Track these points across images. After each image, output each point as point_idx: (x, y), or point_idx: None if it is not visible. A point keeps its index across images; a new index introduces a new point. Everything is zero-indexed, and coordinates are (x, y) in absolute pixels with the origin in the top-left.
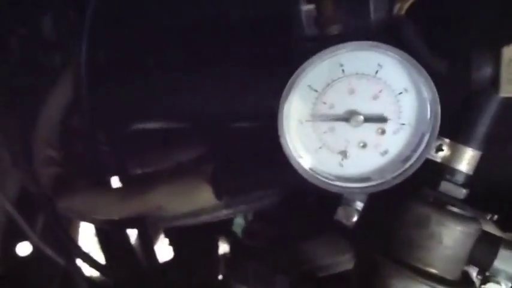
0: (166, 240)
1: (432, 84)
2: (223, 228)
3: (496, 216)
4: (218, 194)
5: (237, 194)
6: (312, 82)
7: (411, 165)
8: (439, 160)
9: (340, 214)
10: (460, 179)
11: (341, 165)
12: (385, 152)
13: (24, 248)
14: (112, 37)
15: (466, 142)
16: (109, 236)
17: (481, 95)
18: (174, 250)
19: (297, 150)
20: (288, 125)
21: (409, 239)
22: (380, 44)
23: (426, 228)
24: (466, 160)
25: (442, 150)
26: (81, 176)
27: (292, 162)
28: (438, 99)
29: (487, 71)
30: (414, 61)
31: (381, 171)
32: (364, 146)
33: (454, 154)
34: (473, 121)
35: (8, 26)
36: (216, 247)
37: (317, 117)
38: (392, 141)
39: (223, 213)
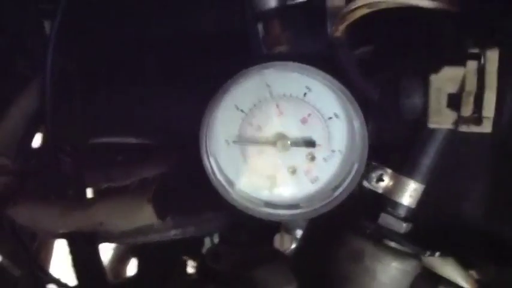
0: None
1: (359, 110)
2: (192, 249)
3: (437, 253)
4: (160, 214)
5: (180, 214)
6: (238, 102)
7: (340, 194)
8: (380, 191)
9: (277, 241)
10: (401, 212)
11: (270, 190)
12: (315, 179)
13: None
14: (79, 48)
15: (409, 174)
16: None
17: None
18: (140, 266)
19: (225, 172)
20: (215, 146)
21: (343, 273)
22: (307, 67)
23: (360, 262)
24: (408, 192)
25: (383, 180)
26: (32, 186)
27: (216, 185)
28: (365, 127)
29: (416, 100)
30: (341, 86)
31: (311, 198)
32: (294, 171)
33: (396, 186)
34: (417, 152)
35: None
36: (183, 267)
37: (244, 139)
38: (323, 168)
39: (172, 233)
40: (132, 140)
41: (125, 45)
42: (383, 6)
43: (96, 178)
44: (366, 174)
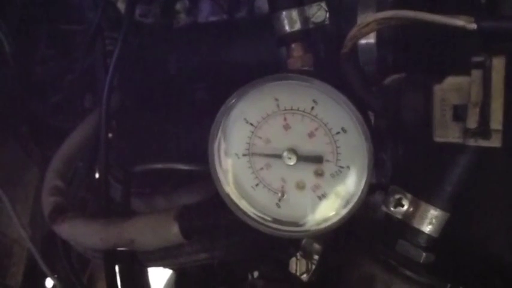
0: None
1: (365, 125)
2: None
3: None
4: (185, 232)
5: (206, 235)
6: (248, 115)
7: (347, 212)
8: (399, 216)
9: (293, 265)
10: (420, 240)
11: (278, 206)
12: (323, 196)
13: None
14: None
15: (429, 199)
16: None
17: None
18: None
19: (234, 186)
20: (225, 159)
21: None
22: (313, 80)
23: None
24: (428, 220)
25: (402, 205)
26: (81, 208)
27: (225, 199)
28: (372, 142)
29: (418, 112)
30: (348, 100)
31: (318, 215)
32: (302, 187)
33: (416, 212)
34: (438, 176)
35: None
36: None
37: (253, 152)
38: (331, 185)
39: (201, 256)
40: (181, 167)
41: (175, 77)
42: (393, 22)
43: (139, 206)
44: (384, 198)
